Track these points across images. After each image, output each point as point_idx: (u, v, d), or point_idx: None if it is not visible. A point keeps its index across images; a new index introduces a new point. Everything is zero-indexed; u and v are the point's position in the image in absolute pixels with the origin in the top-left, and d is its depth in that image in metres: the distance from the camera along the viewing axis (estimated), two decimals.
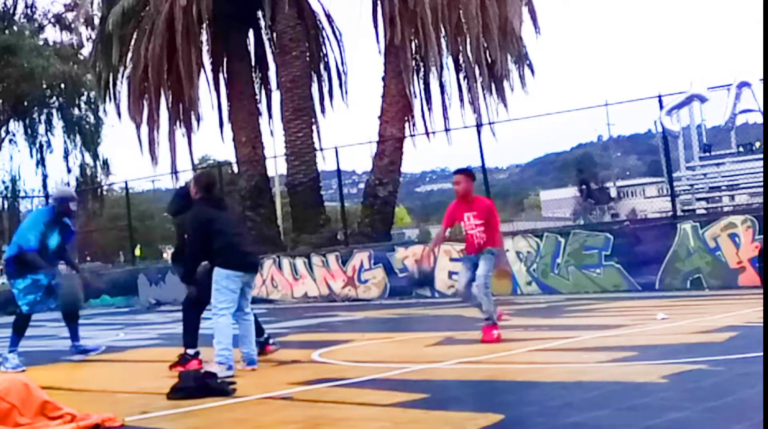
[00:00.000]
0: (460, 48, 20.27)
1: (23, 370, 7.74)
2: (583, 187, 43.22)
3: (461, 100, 21.11)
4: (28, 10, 34.14)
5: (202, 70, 22.73)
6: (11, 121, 33.48)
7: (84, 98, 32.74)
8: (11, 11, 33.55)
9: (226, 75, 23.45)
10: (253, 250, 7.19)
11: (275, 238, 22.03)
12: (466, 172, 8.32)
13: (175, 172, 23.22)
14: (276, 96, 23.19)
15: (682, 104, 15.29)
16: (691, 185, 16.38)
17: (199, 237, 6.83)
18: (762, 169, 14.14)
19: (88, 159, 33.29)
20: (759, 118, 15.36)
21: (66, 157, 33.07)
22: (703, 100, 15.52)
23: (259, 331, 7.55)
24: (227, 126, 23.24)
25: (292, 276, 18.79)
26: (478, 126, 19.04)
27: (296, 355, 7.76)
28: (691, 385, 4.86)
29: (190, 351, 7.30)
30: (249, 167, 22.42)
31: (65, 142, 33.07)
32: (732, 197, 17.42)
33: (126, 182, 26.11)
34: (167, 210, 8.61)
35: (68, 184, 32.92)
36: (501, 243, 8.13)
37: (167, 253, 58.23)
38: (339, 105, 49.67)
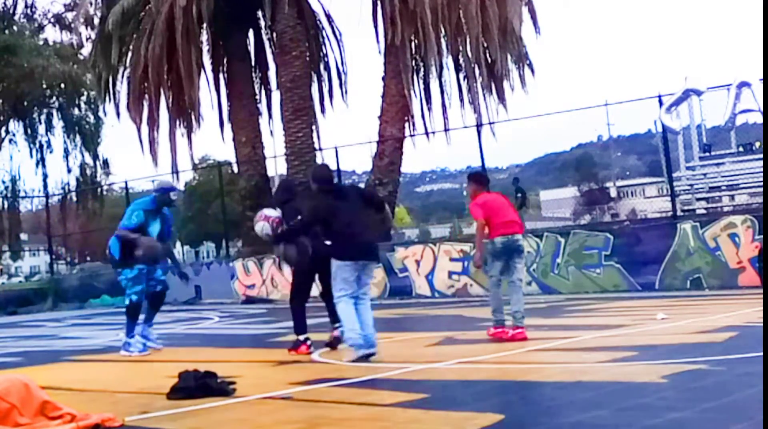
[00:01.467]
0: (460, 48, 20.26)
1: (148, 353, 8.76)
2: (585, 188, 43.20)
3: (461, 100, 21.10)
4: (28, 10, 34.09)
5: (202, 70, 22.71)
6: (11, 121, 33.42)
7: (84, 98, 32.68)
8: (11, 11, 33.51)
9: (226, 75, 23.44)
10: (367, 239, 7.30)
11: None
12: (469, 176, 8.84)
13: (175, 172, 23.22)
14: (276, 96, 23.19)
15: (680, 100, 15.27)
16: (691, 185, 16.38)
17: (311, 223, 7.41)
18: (762, 169, 14.14)
19: (88, 159, 33.22)
20: (759, 118, 15.35)
21: (66, 157, 33.01)
22: (699, 93, 15.50)
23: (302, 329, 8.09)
24: (227, 126, 23.23)
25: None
26: (478, 126, 19.04)
27: (296, 355, 7.77)
28: (691, 385, 4.87)
29: (301, 337, 8.00)
30: (249, 167, 22.42)
31: (65, 142, 33.02)
32: (732, 197, 17.41)
33: (126, 182, 26.13)
34: (274, 198, 8.96)
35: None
36: (477, 240, 8.30)
37: None
38: (339, 105, 49.66)
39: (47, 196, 31.71)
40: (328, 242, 7.26)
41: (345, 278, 7.05)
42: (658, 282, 14.04)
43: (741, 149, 16.21)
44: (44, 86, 32.34)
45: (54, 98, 33.20)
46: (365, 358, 6.89)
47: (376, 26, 20.93)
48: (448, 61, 20.98)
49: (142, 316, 9.10)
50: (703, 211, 16.10)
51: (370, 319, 7.18)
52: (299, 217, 7.66)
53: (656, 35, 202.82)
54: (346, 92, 23.67)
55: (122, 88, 23.19)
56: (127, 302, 8.90)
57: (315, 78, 23.25)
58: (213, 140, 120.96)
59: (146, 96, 22.40)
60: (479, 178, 8.73)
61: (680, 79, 15.56)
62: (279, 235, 7.90)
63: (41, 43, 32.94)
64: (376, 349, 7.06)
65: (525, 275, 15.23)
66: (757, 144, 15.78)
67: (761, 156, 15.02)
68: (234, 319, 14.55)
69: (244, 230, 21.32)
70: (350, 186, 7.98)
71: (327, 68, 23.63)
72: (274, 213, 8.07)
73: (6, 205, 33.73)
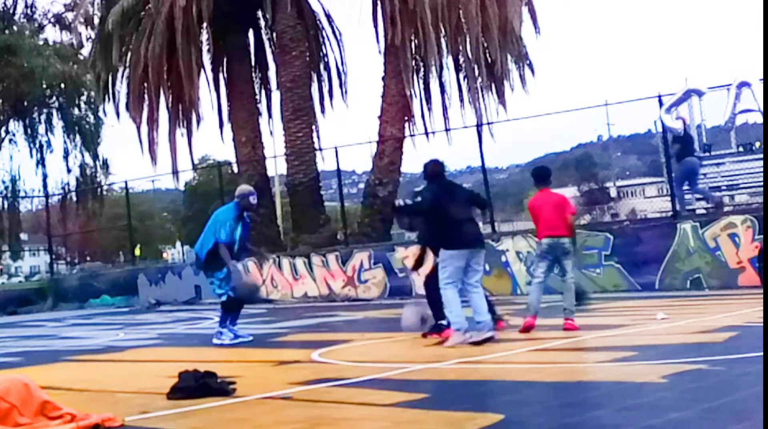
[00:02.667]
0: (460, 48, 20.27)
1: (251, 339, 9.43)
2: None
3: (461, 100, 21.12)
4: (28, 10, 34.09)
5: (202, 70, 22.73)
6: (11, 121, 33.43)
7: (84, 98, 32.69)
8: (11, 11, 33.51)
9: (226, 75, 23.45)
10: (474, 229, 7.94)
11: (275, 238, 22.03)
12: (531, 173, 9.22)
13: (175, 172, 23.24)
14: (276, 96, 23.22)
15: (681, 100, 15.26)
16: None
17: (428, 204, 7.84)
18: (762, 169, 14.12)
19: (88, 159, 33.23)
20: (759, 118, 15.33)
21: (66, 157, 33.02)
22: (700, 94, 15.49)
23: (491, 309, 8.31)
24: (227, 126, 23.26)
25: (292, 276, 18.78)
26: (478, 126, 19.04)
27: (296, 355, 7.77)
28: (691, 385, 4.86)
29: (443, 321, 8.29)
30: (249, 167, 22.42)
31: (65, 142, 33.03)
32: (732, 197, 17.39)
33: (126, 182, 26.15)
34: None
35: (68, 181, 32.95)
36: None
37: (167, 253, 58.34)
38: (339, 105, 49.69)
39: (47, 196, 31.72)
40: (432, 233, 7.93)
41: (455, 266, 7.61)
42: (658, 282, 14.03)
43: (741, 149, 16.19)
44: (44, 86, 32.35)
45: (54, 98, 33.21)
46: (478, 343, 7.37)
47: (376, 26, 20.96)
48: (448, 61, 21.02)
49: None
50: (703, 211, 16.08)
51: (484, 306, 7.74)
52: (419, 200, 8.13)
53: (656, 35, 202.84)
54: (346, 92, 23.72)
55: (122, 88, 23.25)
56: (224, 299, 9.48)
57: (315, 78, 23.26)
58: (213, 140, 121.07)
59: (146, 96, 22.41)
60: (535, 174, 9.04)
61: (680, 79, 15.61)
62: (403, 208, 8.57)
63: (41, 43, 32.92)
64: (494, 331, 7.66)
65: (525, 275, 15.31)
66: (757, 144, 15.75)
67: (761, 156, 15.00)
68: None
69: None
70: (455, 183, 8.29)
71: (327, 68, 23.65)
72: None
73: (6, 205, 33.73)
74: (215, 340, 9.45)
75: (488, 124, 19.61)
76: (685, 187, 14.81)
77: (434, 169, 8.19)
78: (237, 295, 9.40)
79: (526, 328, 8.36)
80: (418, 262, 9.23)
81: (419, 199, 8.07)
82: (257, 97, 23.60)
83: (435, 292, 8.32)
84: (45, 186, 32.96)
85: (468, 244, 7.76)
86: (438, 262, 8.44)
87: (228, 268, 9.27)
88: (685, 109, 15.67)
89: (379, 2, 20.57)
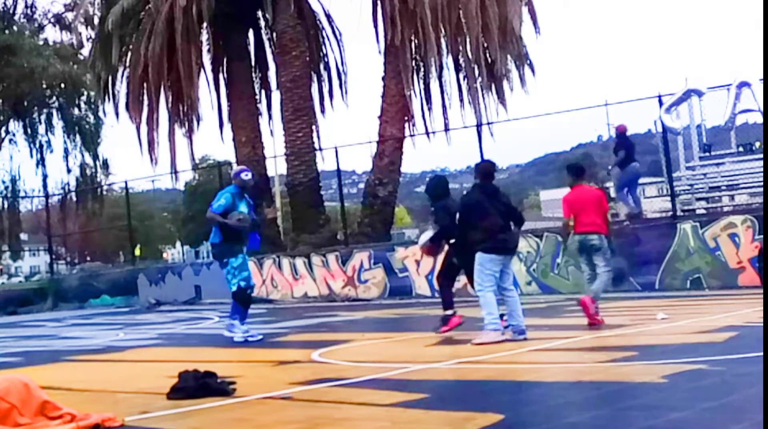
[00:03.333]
0: (460, 48, 20.26)
1: (261, 338, 9.43)
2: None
3: (461, 100, 21.11)
4: (28, 10, 34.09)
5: (202, 70, 22.72)
6: (11, 121, 33.43)
7: (84, 98, 32.69)
8: (11, 11, 33.51)
9: (226, 75, 23.44)
10: (510, 236, 8.09)
11: (275, 238, 22.03)
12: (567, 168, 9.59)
13: (174, 172, 23.24)
14: (276, 96, 23.20)
15: (681, 100, 15.27)
16: (691, 185, 16.36)
17: (461, 218, 8.03)
18: (762, 169, 14.12)
19: (88, 159, 33.24)
20: (759, 118, 15.34)
21: (66, 157, 33.03)
22: (700, 94, 15.49)
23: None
24: (227, 126, 23.25)
25: (292, 276, 18.78)
26: (478, 126, 19.04)
27: (296, 355, 7.76)
28: (691, 385, 4.86)
29: (449, 311, 8.70)
30: (249, 167, 22.38)
31: (65, 142, 33.04)
32: (732, 197, 17.39)
33: (126, 182, 26.16)
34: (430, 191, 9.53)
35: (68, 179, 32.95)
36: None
37: (167, 253, 58.36)
38: (339, 105, 49.66)
39: (47, 196, 31.71)
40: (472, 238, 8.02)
41: (492, 270, 7.81)
42: (658, 282, 14.03)
43: (741, 149, 16.19)
44: (44, 86, 32.36)
45: (54, 98, 33.21)
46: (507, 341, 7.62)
47: (376, 26, 20.95)
48: (448, 61, 21.00)
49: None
50: (703, 211, 16.08)
51: (519, 309, 7.93)
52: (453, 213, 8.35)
53: (656, 35, 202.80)
54: (346, 92, 23.71)
55: (122, 88, 23.23)
56: (234, 289, 9.45)
57: (315, 78, 23.26)
58: (213, 140, 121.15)
59: (146, 96, 22.40)
60: (572, 169, 9.37)
61: (680, 79, 15.61)
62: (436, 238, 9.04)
63: (41, 43, 32.93)
64: (526, 333, 7.83)
65: (525, 275, 15.31)
66: (757, 144, 15.75)
67: (761, 156, 15.00)
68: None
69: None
70: (499, 189, 8.37)
71: (327, 68, 23.65)
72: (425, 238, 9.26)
73: (6, 205, 33.73)
74: (226, 333, 9.50)
75: (488, 124, 19.61)
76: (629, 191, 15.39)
77: (486, 169, 8.32)
78: (237, 226, 9.28)
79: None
80: (432, 251, 9.43)
81: (440, 218, 8.42)
82: (257, 97, 23.60)
83: (447, 285, 8.60)
84: (45, 186, 32.99)
85: (508, 250, 8.03)
86: (451, 259, 8.87)
87: (241, 255, 9.40)
88: (684, 108, 15.68)
89: (379, 2, 20.57)
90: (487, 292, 7.82)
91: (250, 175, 9.86)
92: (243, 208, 9.47)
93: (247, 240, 9.56)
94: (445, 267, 9.23)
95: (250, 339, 9.47)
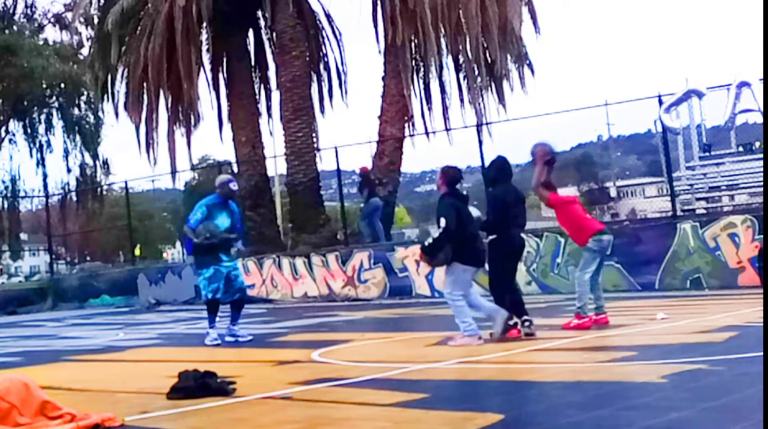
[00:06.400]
0: (460, 48, 20.26)
1: (218, 344, 9.36)
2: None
3: (461, 100, 21.10)
4: (28, 10, 34.10)
5: (201, 70, 22.70)
6: (11, 121, 33.45)
7: (84, 98, 32.70)
8: (11, 11, 33.52)
9: (225, 75, 23.43)
10: (483, 246, 8.09)
11: (275, 238, 22.04)
12: None
13: (174, 172, 23.22)
14: (276, 96, 23.18)
15: (681, 100, 15.27)
16: (691, 185, 16.37)
17: (455, 227, 7.69)
18: (762, 169, 14.14)
19: (88, 159, 33.26)
20: (759, 118, 15.36)
21: (66, 157, 33.05)
22: (700, 95, 15.50)
23: (519, 311, 8.20)
24: (227, 126, 23.22)
25: (291, 276, 18.78)
26: (478, 126, 19.03)
27: (296, 355, 7.76)
28: (691, 385, 4.86)
29: (511, 322, 8.10)
30: (249, 167, 22.41)
31: (65, 142, 33.05)
32: (732, 197, 17.41)
33: (126, 182, 26.12)
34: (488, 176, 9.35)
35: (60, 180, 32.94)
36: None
37: (167, 253, 58.32)
38: (339, 105, 49.59)
39: (47, 196, 31.71)
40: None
41: (467, 279, 7.88)
42: (657, 282, 14.03)
43: (741, 149, 16.21)
44: (44, 86, 32.37)
45: (54, 98, 33.22)
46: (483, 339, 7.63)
47: (376, 26, 20.95)
48: (448, 61, 21.00)
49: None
50: (703, 211, 16.09)
51: (480, 301, 8.07)
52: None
53: (656, 35, 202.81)
54: (346, 92, 23.68)
55: (121, 87, 23.20)
56: (204, 299, 9.81)
57: (315, 78, 23.24)
58: (213, 140, 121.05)
59: (145, 96, 22.38)
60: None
61: (680, 79, 15.65)
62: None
63: (41, 43, 32.94)
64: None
65: (525, 275, 15.29)
66: (757, 144, 15.78)
67: (761, 156, 15.02)
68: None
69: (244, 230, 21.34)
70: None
71: (327, 68, 23.63)
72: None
73: (6, 205, 33.74)
74: (206, 341, 9.63)
75: (488, 124, 19.60)
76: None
77: (505, 167, 8.56)
78: (205, 239, 9.30)
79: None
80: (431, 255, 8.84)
81: (442, 224, 7.80)
82: (257, 97, 23.59)
83: (502, 290, 8.34)
84: (45, 186, 33.00)
85: (480, 262, 8.05)
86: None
87: (214, 267, 9.42)
88: (684, 108, 15.69)
89: (379, 2, 20.57)
90: (457, 302, 7.84)
91: (236, 186, 9.87)
92: (222, 219, 9.48)
93: (225, 251, 9.53)
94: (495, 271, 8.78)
95: (240, 339, 9.64)
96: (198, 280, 9.78)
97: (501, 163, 8.73)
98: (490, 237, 8.28)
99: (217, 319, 9.66)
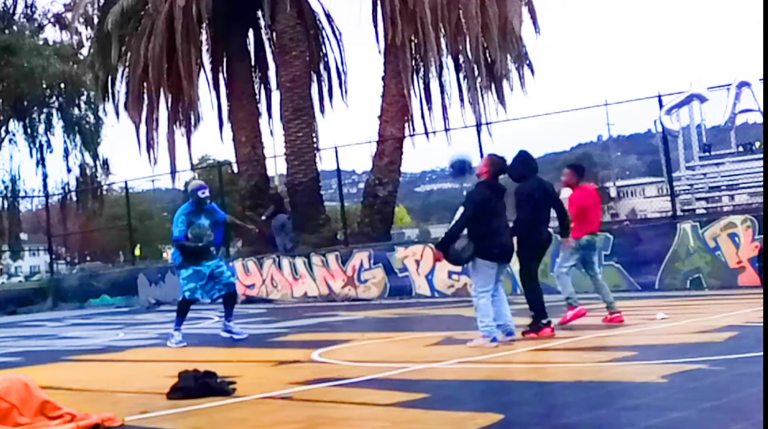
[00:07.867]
0: (460, 48, 20.26)
1: (185, 345, 9.51)
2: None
3: (461, 100, 21.09)
4: (28, 10, 34.06)
5: (201, 70, 22.70)
6: (11, 121, 33.42)
7: (84, 98, 32.67)
8: (11, 11, 33.50)
9: (225, 75, 23.43)
10: (509, 242, 7.81)
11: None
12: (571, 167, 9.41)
13: (174, 171, 23.23)
14: (276, 96, 23.18)
15: (682, 104, 15.28)
16: (691, 185, 16.36)
17: (471, 215, 7.42)
18: (762, 169, 14.13)
19: (88, 159, 33.22)
20: (759, 118, 15.33)
21: (66, 156, 33.01)
22: (702, 99, 15.50)
23: (543, 313, 8.13)
24: (227, 126, 23.23)
25: (291, 276, 18.78)
26: (478, 126, 19.04)
27: (296, 354, 7.77)
28: (691, 385, 4.87)
29: (544, 320, 8.08)
30: (249, 167, 22.41)
31: (65, 141, 33.01)
32: (732, 197, 17.39)
33: (126, 182, 26.11)
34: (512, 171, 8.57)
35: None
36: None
37: (167, 253, 58.29)
38: (339, 105, 49.64)
39: (47, 196, 31.68)
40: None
41: (490, 275, 7.58)
42: (657, 282, 14.03)
43: (741, 149, 16.19)
44: (44, 86, 32.33)
45: (54, 98, 33.19)
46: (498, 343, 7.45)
47: (376, 26, 20.93)
48: (448, 61, 20.99)
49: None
50: (703, 211, 16.08)
51: (507, 309, 7.81)
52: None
53: (656, 35, 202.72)
54: (346, 92, 23.68)
55: (121, 87, 23.20)
56: (180, 298, 9.94)
57: (315, 78, 23.23)
58: (213, 140, 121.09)
59: (145, 96, 22.39)
60: (579, 169, 9.43)
61: (680, 79, 15.66)
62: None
63: (41, 43, 32.90)
64: (514, 336, 7.76)
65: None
66: (757, 144, 15.75)
67: (761, 156, 15.00)
68: (234, 318, 14.50)
69: (245, 230, 21.35)
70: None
71: (327, 68, 23.63)
72: None
73: (6, 205, 33.72)
74: (168, 343, 9.78)
75: (488, 124, 19.61)
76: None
77: (530, 161, 8.43)
78: (195, 240, 9.55)
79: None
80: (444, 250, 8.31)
81: (459, 215, 7.49)
82: (257, 96, 23.58)
83: (535, 288, 8.24)
84: (45, 186, 32.97)
85: (504, 256, 7.75)
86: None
87: (192, 268, 9.60)
88: (684, 109, 15.69)
89: (379, 2, 20.56)
90: (480, 299, 7.59)
91: (207, 193, 9.93)
92: (203, 221, 9.74)
93: (207, 255, 9.76)
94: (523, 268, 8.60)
95: (235, 336, 9.82)
96: (180, 281, 9.91)
97: (525, 157, 8.40)
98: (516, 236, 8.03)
99: (184, 324, 9.91)
